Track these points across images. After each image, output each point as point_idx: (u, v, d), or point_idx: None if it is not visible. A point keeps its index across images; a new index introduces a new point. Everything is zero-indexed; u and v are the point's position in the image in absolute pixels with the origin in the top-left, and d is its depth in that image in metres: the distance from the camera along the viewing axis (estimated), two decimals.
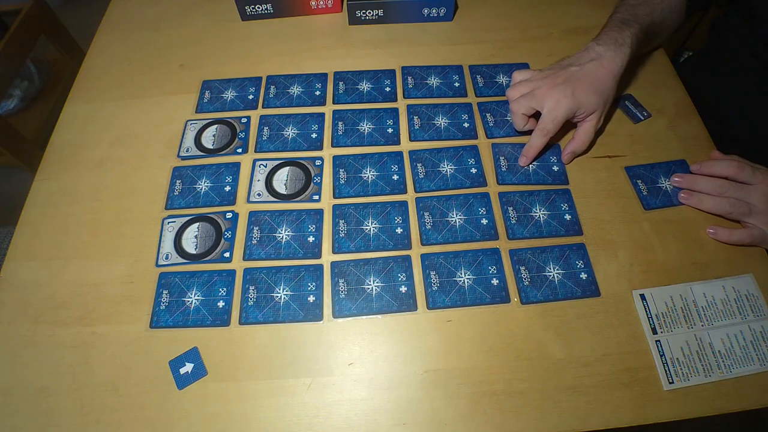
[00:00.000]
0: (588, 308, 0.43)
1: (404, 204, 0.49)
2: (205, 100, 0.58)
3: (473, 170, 0.51)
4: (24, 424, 0.40)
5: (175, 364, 0.41)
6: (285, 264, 0.46)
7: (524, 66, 0.60)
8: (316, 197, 0.50)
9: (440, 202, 0.49)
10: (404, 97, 0.58)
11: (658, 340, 0.42)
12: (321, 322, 0.43)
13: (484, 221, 0.48)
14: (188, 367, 0.41)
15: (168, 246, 0.47)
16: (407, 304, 0.44)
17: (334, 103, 0.58)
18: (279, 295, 0.44)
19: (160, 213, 0.49)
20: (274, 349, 0.42)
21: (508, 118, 0.55)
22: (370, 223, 0.48)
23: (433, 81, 0.59)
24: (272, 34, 0.65)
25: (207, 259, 0.47)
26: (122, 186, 0.52)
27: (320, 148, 0.54)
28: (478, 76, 0.59)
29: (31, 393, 0.41)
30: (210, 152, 0.54)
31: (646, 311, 0.43)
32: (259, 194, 0.50)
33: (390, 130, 0.55)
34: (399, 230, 0.48)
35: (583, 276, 0.45)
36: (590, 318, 0.43)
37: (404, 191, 0.50)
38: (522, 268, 0.45)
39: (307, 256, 0.46)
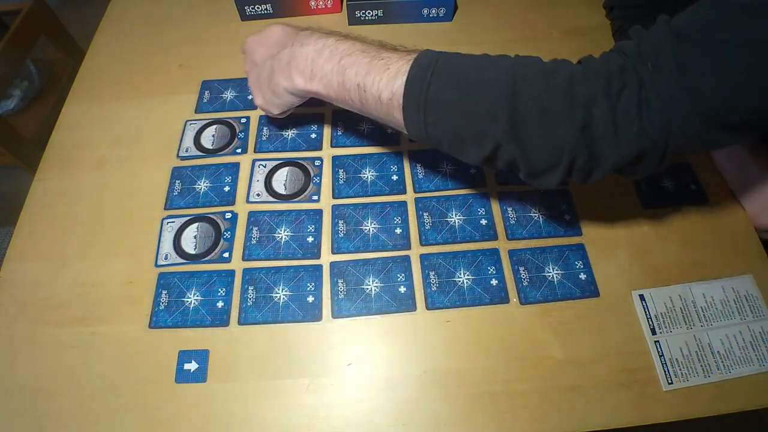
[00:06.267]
0: (587, 309, 0.43)
1: (403, 204, 0.49)
2: (205, 100, 0.58)
3: (472, 170, 0.51)
4: (23, 424, 0.40)
5: (184, 356, 0.41)
6: (284, 264, 0.46)
7: None
8: (315, 197, 0.50)
9: (439, 202, 0.49)
10: None
11: (658, 341, 0.42)
12: (320, 322, 0.43)
13: (484, 221, 0.48)
14: (193, 365, 0.41)
15: (167, 246, 0.47)
16: (406, 304, 0.44)
17: None
18: (278, 295, 0.44)
19: (159, 213, 0.49)
20: (273, 350, 0.42)
21: None
22: (369, 224, 0.48)
23: None
24: None
25: (206, 259, 0.47)
26: (122, 186, 0.52)
27: (320, 148, 0.54)
28: None
29: (30, 393, 0.41)
30: (209, 152, 0.54)
31: (646, 312, 0.43)
32: (258, 194, 0.50)
33: (389, 131, 0.55)
34: (398, 230, 0.48)
35: (583, 276, 0.45)
36: (589, 318, 0.43)
37: (404, 191, 0.50)
38: (521, 268, 0.45)
39: (306, 256, 0.46)
